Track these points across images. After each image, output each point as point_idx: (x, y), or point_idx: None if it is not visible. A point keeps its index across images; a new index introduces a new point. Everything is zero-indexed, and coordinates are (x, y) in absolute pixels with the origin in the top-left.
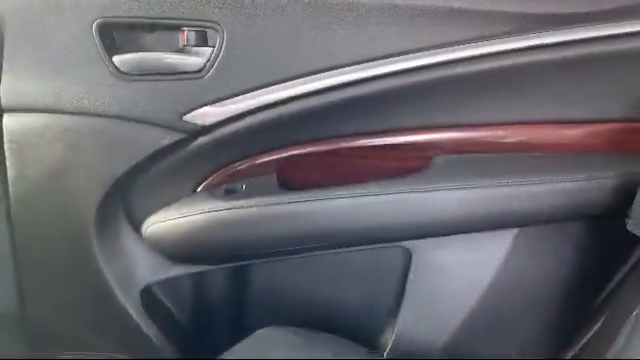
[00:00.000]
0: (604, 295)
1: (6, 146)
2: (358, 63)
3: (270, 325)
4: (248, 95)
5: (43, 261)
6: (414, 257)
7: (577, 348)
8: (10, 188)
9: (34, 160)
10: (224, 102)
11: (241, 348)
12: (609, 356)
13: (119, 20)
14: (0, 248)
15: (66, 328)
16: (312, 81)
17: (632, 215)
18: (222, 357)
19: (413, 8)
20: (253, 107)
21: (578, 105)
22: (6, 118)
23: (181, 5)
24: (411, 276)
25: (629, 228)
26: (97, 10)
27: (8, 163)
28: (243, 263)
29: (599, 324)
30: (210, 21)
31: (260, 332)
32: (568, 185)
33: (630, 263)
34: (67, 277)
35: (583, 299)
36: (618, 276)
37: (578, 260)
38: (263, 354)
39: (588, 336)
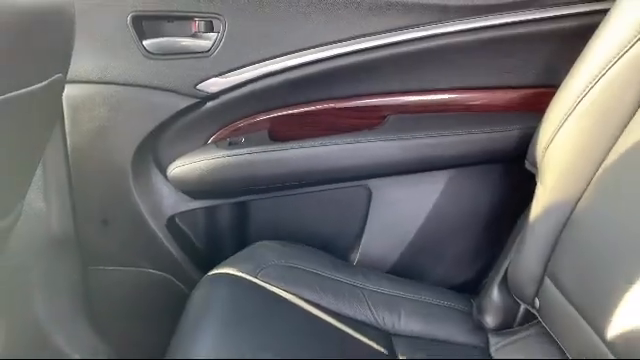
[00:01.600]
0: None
1: (65, 108)
2: (328, 44)
3: None
4: (245, 69)
5: (92, 195)
6: (373, 193)
7: (500, 263)
8: (68, 139)
9: (85, 119)
10: (227, 75)
11: (241, 254)
12: (506, 264)
13: (147, 13)
14: (60, 184)
15: (110, 247)
16: (294, 58)
17: (527, 158)
18: (227, 262)
19: (370, 2)
20: (249, 78)
21: (496, 75)
22: (65, 88)
23: (193, 1)
24: (371, 208)
25: (526, 167)
26: (131, 6)
27: (66, 121)
28: (243, 199)
29: (509, 244)
30: (215, 13)
31: (257, 243)
32: (486, 136)
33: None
34: (111, 208)
35: (502, 225)
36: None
37: (499, 195)
38: (258, 259)
39: (504, 253)
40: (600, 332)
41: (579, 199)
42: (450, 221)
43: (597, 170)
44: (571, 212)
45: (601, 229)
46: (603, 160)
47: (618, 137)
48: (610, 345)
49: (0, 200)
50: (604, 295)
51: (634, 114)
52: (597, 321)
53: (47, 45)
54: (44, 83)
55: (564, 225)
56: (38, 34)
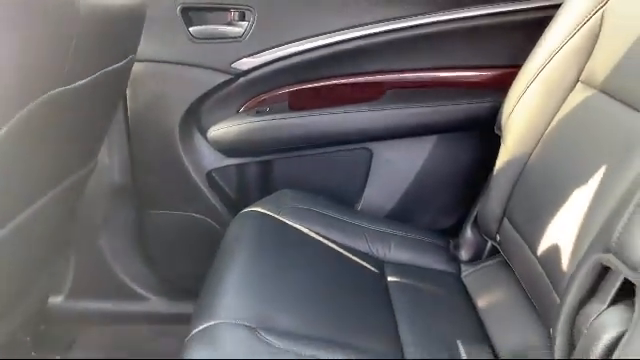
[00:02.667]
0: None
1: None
2: (339, 30)
3: None
4: (270, 51)
5: (147, 152)
6: (374, 155)
7: (473, 209)
8: (128, 105)
9: (142, 90)
10: (256, 55)
11: (266, 199)
12: (477, 209)
13: (193, 5)
14: (121, 143)
15: (160, 195)
16: (310, 42)
17: (496, 124)
18: (255, 204)
19: None
20: (274, 58)
21: (475, 57)
22: None
23: None
24: (372, 166)
25: (495, 131)
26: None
27: (127, 92)
28: (268, 157)
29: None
30: (247, 5)
31: (278, 191)
32: (466, 107)
33: None
34: (162, 163)
35: (478, 180)
36: None
37: (475, 156)
38: (280, 202)
39: (476, 201)
40: (534, 250)
41: (530, 155)
42: (436, 177)
43: (544, 132)
44: (524, 165)
45: (543, 176)
46: (549, 124)
47: (560, 106)
48: (540, 259)
49: (85, 151)
50: (539, 222)
51: (573, 88)
52: (533, 243)
53: (128, 34)
54: (124, 62)
55: (519, 176)
56: (123, 27)
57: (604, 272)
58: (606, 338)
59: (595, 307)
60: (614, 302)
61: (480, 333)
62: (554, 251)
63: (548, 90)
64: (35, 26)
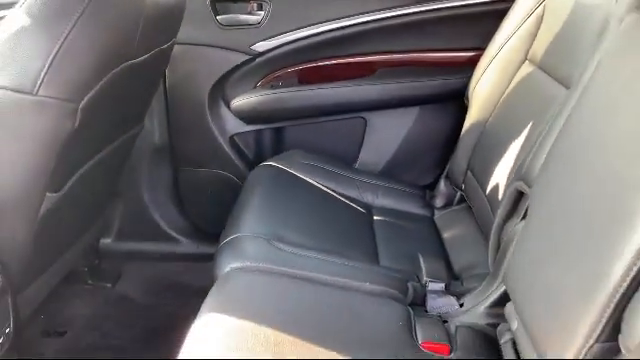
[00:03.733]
0: None
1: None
2: (339, 19)
3: None
4: (283, 35)
5: (181, 118)
6: (368, 123)
7: (446, 166)
8: (167, 79)
9: (178, 67)
10: (271, 39)
11: (278, 156)
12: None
13: None
14: (160, 110)
15: (192, 154)
16: (315, 28)
17: (465, 96)
18: (269, 160)
19: None
20: (285, 42)
21: (452, 40)
22: None
23: None
24: (366, 132)
25: (465, 101)
26: None
27: (167, 71)
28: (280, 124)
29: None
30: None
31: (288, 151)
32: (444, 82)
33: None
34: (193, 128)
35: (453, 143)
36: None
37: (452, 123)
38: (289, 159)
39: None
40: (485, 190)
41: (488, 119)
42: (419, 141)
43: (499, 100)
44: (484, 127)
45: (495, 134)
46: (503, 94)
47: (512, 79)
48: (487, 196)
49: (135, 116)
50: (488, 169)
51: (521, 65)
52: (484, 185)
53: (173, 20)
54: (170, 43)
55: (480, 136)
56: (171, 14)
57: (520, 196)
58: (515, 241)
59: (512, 222)
60: (525, 217)
61: (441, 254)
62: (495, 188)
63: (503, 67)
64: (115, 12)
